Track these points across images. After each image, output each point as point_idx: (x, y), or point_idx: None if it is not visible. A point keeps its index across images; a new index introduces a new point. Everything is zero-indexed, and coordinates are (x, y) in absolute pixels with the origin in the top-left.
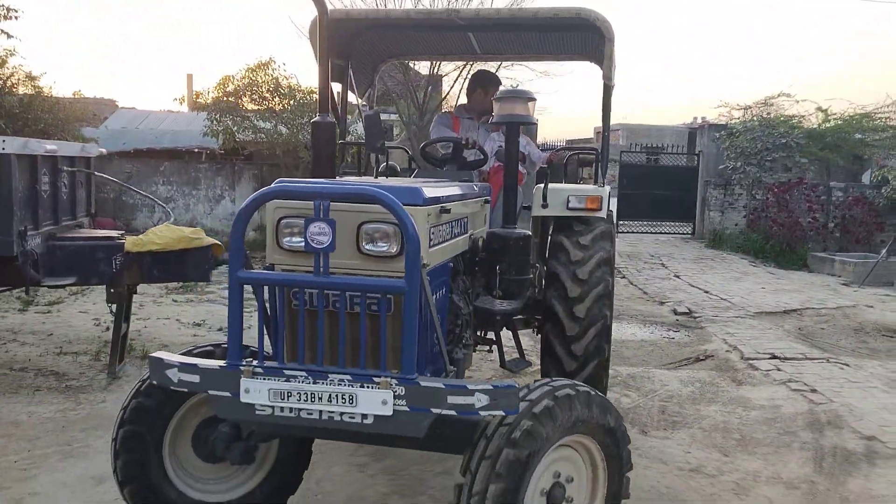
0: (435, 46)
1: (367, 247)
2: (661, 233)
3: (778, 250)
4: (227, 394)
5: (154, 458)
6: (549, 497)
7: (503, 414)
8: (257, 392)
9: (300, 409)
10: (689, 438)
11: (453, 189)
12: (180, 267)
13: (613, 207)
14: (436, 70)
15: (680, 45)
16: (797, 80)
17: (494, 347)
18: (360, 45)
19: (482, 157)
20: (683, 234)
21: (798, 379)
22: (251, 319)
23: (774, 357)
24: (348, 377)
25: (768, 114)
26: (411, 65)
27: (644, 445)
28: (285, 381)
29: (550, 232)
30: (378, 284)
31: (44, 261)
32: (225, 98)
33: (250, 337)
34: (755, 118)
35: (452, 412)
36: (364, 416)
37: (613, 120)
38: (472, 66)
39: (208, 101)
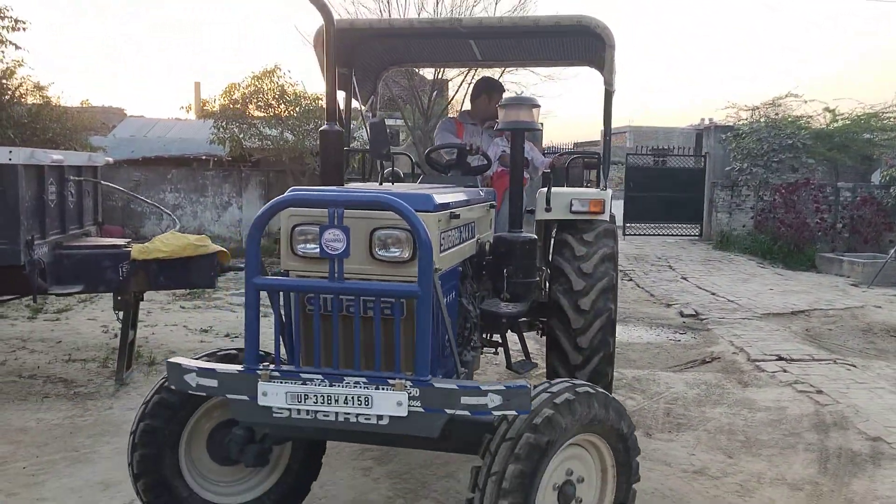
0: (436, 54)
1: (379, 252)
2: (668, 235)
3: (786, 251)
4: (245, 397)
5: (169, 455)
6: (561, 493)
7: (515, 414)
8: (275, 395)
9: (317, 412)
10: (693, 440)
11: (461, 195)
12: (186, 274)
13: (618, 211)
14: (440, 75)
15: (683, 46)
16: (800, 81)
17: (500, 349)
18: (364, 54)
19: (486, 162)
20: (691, 235)
21: (804, 380)
22: (263, 325)
23: (781, 359)
24: (364, 380)
25: (776, 114)
26: (416, 70)
27: (648, 448)
28: (302, 384)
29: (553, 235)
30: (392, 289)
31: (51, 269)
32: (231, 106)
33: (263, 343)
34: (762, 119)
35: (466, 412)
36: (380, 417)
37: (620, 121)
38: (476, 71)
39: (215, 109)
